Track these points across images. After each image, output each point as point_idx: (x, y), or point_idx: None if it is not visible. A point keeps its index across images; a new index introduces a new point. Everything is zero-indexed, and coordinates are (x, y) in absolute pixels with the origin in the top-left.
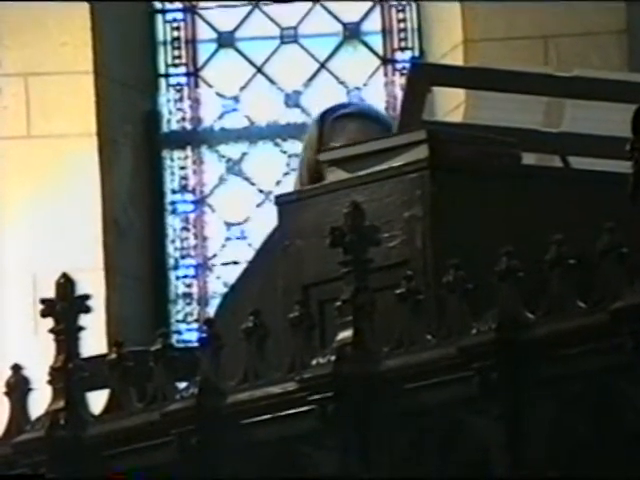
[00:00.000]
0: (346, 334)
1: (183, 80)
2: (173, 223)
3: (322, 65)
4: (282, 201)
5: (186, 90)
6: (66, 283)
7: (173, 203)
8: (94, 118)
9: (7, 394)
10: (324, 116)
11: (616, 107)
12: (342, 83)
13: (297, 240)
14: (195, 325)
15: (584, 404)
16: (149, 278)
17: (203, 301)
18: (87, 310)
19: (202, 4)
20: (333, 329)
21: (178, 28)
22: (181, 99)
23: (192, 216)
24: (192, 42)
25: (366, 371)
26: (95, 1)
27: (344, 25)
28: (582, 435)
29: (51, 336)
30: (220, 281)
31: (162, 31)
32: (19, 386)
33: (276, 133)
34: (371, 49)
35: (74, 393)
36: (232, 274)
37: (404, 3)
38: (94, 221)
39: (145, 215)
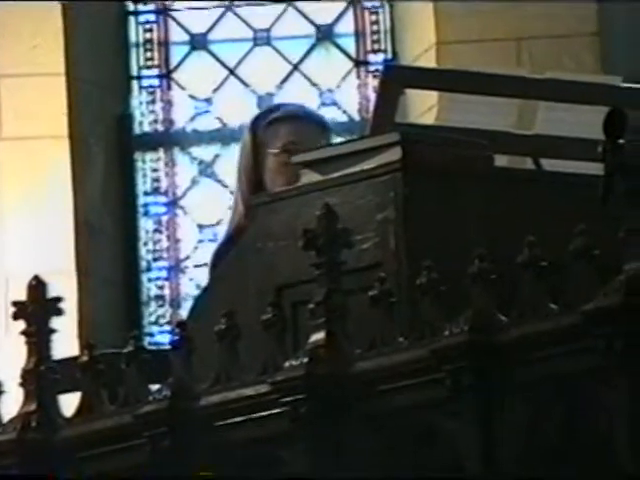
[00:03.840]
0: (319, 336)
1: (155, 82)
2: (145, 225)
3: (295, 67)
4: (254, 203)
5: (158, 92)
6: (38, 285)
7: (145, 205)
8: (66, 120)
9: None
10: (255, 123)
11: (588, 109)
12: (315, 85)
13: (270, 242)
14: (167, 327)
15: (556, 406)
16: (121, 280)
17: (175, 303)
18: (59, 312)
19: (175, 5)
20: (306, 331)
21: (151, 30)
22: (153, 101)
23: (164, 218)
24: (165, 44)
25: (339, 373)
26: (68, 0)
27: (317, 27)
28: (554, 437)
29: (23, 338)
30: (192, 283)
31: (134, 33)
32: None
33: None
34: (344, 51)
35: (46, 395)
36: (205, 276)
37: (377, 4)
38: (66, 223)
39: (117, 217)
